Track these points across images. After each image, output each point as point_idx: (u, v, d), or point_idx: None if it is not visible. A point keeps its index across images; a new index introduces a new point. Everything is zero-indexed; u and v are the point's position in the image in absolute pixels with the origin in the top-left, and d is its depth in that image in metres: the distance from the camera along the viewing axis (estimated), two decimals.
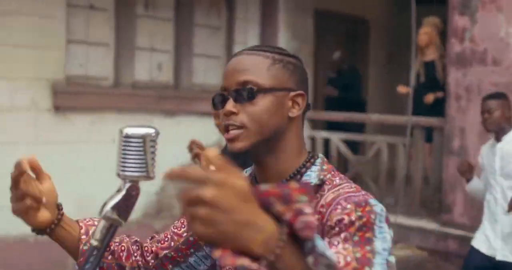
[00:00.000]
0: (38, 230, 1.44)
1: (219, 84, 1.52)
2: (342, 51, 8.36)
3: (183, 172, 0.89)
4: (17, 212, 1.38)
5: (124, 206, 1.16)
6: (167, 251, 1.58)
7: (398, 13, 9.23)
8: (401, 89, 7.02)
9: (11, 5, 5.54)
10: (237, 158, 1.34)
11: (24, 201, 1.36)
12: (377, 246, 1.22)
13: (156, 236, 1.63)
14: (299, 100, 1.42)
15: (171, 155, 6.61)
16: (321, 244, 0.96)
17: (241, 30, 7.45)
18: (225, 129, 1.41)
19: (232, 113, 1.38)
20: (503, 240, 3.85)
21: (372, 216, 1.26)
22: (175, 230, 1.60)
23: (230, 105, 1.39)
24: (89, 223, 1.56)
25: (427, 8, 7.22)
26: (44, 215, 1.42)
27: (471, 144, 5.76)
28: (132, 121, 6.28)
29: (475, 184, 4.10)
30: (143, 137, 1.15)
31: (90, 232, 1.51)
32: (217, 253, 0.89)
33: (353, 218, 1.25)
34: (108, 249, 1.56)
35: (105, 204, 1.16)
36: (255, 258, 0.91)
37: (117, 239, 1.61)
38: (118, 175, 1.16)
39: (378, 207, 1.29)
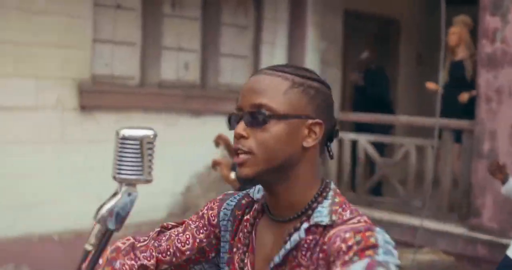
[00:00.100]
0: None
1: None
2: (370, 51, 8.28)
3: None
4: None
5: (120, 210, 1.13)
6: (167, 266, 1.51)
7: (428, 14, 9.13)
8: (430, 85, 6.91)
9: (38, 4, 5.57)
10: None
11: None
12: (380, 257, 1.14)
13: (163, 239, 1.53)
14: (316, 129, 1.33)
15: (197, 154, 6.61)
16: None
17: (270, 30, 7.40)
18: (235, 152, 1.34)
19: (242, 136, 1.31)
20: None
21: (372, 240, 1.17)
22: (179, 245, 1.50)
23: (240, 128, 1.32)
24: None
25: (457, 9, 7.11)
26: None
27: (501, 147, 5.65)
28: (158, 120, 6.28)
29: (511, 185, 3.99)
30: (140, 139, 1.13)
31: None
32: None
33: (350, 243, 1.17)
34: None
35: (100, 208, 1.13)
36: None
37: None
38: (114, 178, 1.13)
39: (383, 235, 1.19)
